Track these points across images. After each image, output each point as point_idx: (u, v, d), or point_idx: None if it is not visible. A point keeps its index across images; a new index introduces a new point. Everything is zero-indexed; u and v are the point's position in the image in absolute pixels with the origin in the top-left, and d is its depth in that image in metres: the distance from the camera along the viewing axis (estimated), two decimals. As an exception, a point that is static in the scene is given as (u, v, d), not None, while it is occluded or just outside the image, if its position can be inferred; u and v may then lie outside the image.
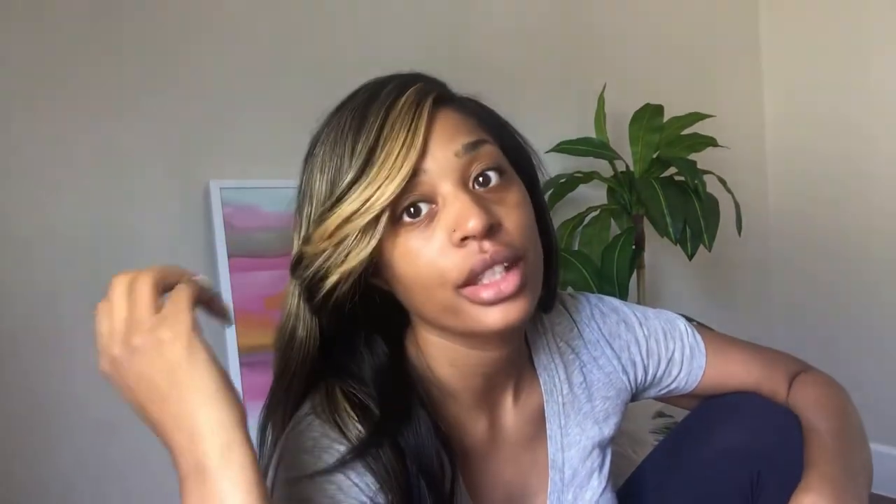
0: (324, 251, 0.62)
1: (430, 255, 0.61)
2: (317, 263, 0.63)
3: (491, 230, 0.60)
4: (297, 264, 0.66)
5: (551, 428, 0.76)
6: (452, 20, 1.71)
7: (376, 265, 0.63)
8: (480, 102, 0.71)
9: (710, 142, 1.74)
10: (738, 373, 0.82)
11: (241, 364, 1.37)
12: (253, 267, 1.41)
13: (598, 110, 1.75)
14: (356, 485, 0.60)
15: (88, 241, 1.32)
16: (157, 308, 0.55)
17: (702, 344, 0.82)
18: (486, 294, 0.60)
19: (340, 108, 0.66)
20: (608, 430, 0.79)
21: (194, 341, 0.53)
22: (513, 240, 0.62)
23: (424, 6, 1.68)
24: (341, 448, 0.61)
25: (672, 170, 1.71)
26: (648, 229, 1.71)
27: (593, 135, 1.76)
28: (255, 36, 1.49)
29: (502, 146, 0.67)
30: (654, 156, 1.73)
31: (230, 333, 1.37)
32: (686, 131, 1.77)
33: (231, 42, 1.46)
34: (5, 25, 1.26)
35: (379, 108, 0.61)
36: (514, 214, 0.62)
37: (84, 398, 1.30)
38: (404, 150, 0.59)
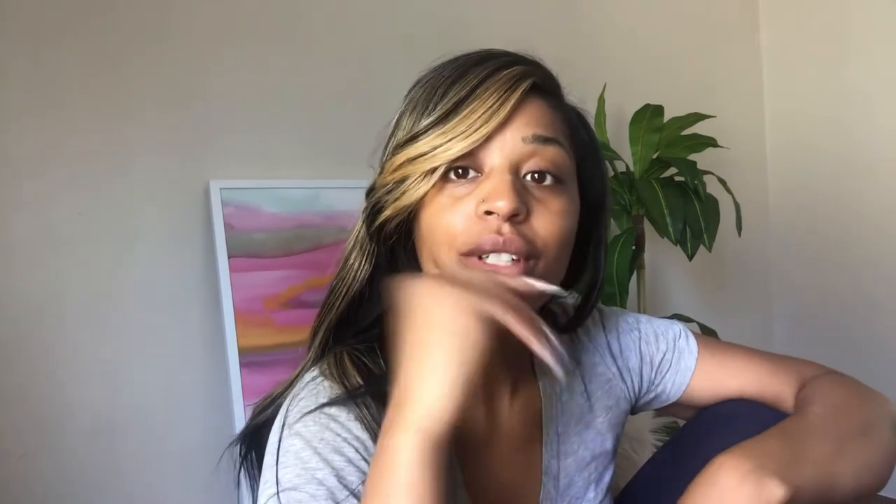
0: (387, 184, 0.64)
1: (452, 216, 0.62)
2: (378, 194, 0.65)
3: (516, 217, 0.60)
4: (370, 191, 0.67)
5: (547, 433, 0.74)
6: (450, 20, 1.71)
7: (416, 212, 0.65)
8: (584, 117, 0.72)
9: (711, 142, 1.74)
10: (736, 378, 0.78)
11: (241, 364, 1.37)
12: (253, 267, 1.41)
13: (598, 110, 1.75)
14: (357, 437, 0.60)
15: (88, 242, 1.32)
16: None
17: (694, 347, 0.80)
18: None
19: (450, 60, 0.66)
20: (610, 441, 0.77)
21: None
22: (534, 237, 0.62)
23: (422, 6, 1.68)
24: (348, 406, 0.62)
25: (672, 170, 1.71)
26: (648, 230, 1.71)
27: (593, 135, 1.76)
28: (256, 36, 1.49)
29: (579, 163, 0.68)
30: (655, 156, 1.73)
31: (230, 334, 1.37)
32: (686, 132, 1.77)
33: (231, 42, 1.46)
34: (5, 27, 1.26)
35: (481, 70, 0.62)
36: (549, 218, 0.62)
37: (85, 401, 1.30)
38: (487, 114, 0.60)
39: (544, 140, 0.63)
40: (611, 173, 1.78)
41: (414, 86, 0.68)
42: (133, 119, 1.36)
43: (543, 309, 0.75)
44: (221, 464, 1.42)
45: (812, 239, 2.17)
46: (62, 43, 1.30)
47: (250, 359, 1.38)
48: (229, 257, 1.39)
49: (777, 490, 0.57)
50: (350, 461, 0.58)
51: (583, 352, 0.79)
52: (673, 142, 1.75)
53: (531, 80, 0.64)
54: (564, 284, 0.72)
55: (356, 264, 0.68)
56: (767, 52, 2.27)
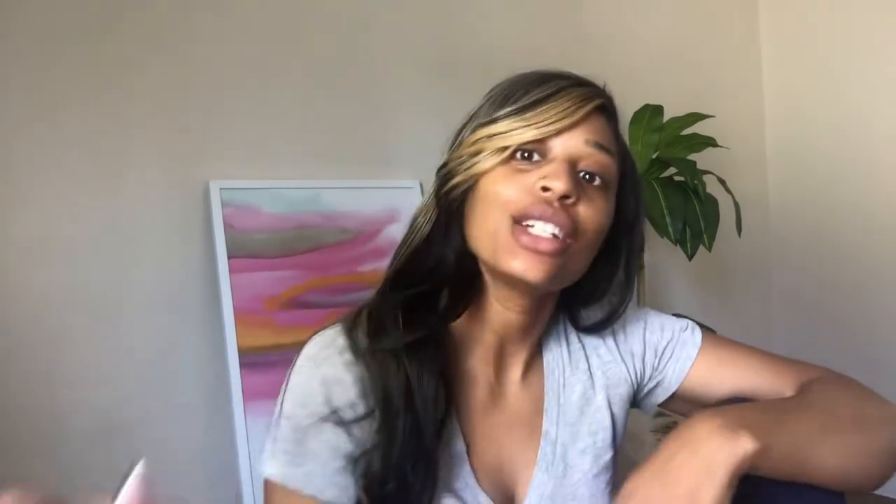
0: (461, 157, 0.74)
1: (512, 185, 0.70)
2: (452, 164, 0.75)
3: (567, 199, 0.69)
4: (443, 167, 0.76)
5: (549, 403, 0.80)
6: (452, 23, 1.71)
7: (476, 184, 0.73)
8: (629, 151, 0.82)
9: (710, 142, 1.74)
10: (736, 373, 0.80)
11: (241, 365, 1.37)
12: (253, 268, 1.41)
13: (598, 111, 1.75)
14: (341, 379, 0.68)
15: (89, 242, 1.32)
16: None
17: (699, 339, 0.83)
18: (525, 238, 0.68)
19: (531, 72, 0.76)
20: (608, 419, 0.81)
21: None
22: (579, 219, 0.70)
23: (424, 6, 1.68)
24: (340, 354, 0.70)
25: (672, 170, 1.71)
26: (648, 230, 1.71)
27: (593, 135, 1.76)
28: (256, 37, 1.49)
29: (621, 185, 0.76)
30: (654, 156, 1.73)
31: (230, 334, 1.37)
32: (686, 131, 1.77)
33: (232, 43, 1.46)
34: (8, 32, 1.26)
35: (561, 82, 0.73)
36: (592, 209, 0.71)
37: (85, 401, 1.30)
38: (563, 113, 0.71)
39: (602, 148, 0.72)
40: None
41: (493, 89, 0.77)
42: (133, 120, 1.36)
43: (570, 311, 0.82)
44: (221, 464, 1.43)
45: (812, 239, 2.17)
46: (63, 44, 1.30)
47: (250, 359, 1.38)
48: (229, 258, 1.39)
49: (747, 443, 0.61)
50: (344, 383, 0.68)
51: (588, 335, 0.84)
52: (672, 142, 1.75)
53: (601, 101, 0.75)
54: (590, 287, 0.79)
55: (420, 223, 0.77)
56: (767, 51, 2.28)
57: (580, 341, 0.84)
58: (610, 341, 0.84)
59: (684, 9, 2.14)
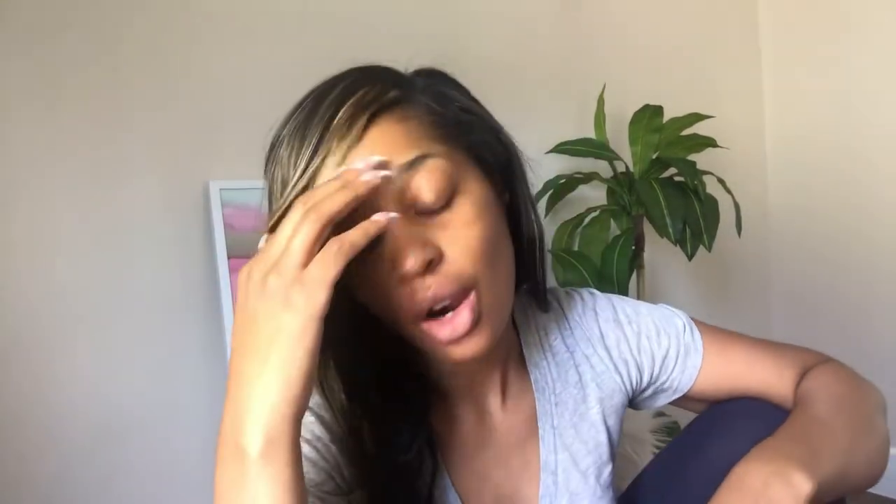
0: None
1: (382, 286, 0.58)
2: None
3: (431, 264, 0.57)
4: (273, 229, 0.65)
5: (543, 428, 0.74)
6: (452, 20, 1.72)
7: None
8: (442, 88, 0.66)
9: (710, 142, 1.74)
10: (742, 374, 0.77)
11: (241, 365, 1.37)
12: (253, 268, 1.41)
13: (598, 111, 1.75)
14: (318, 437, 0.64)
15: (88, 243, 1.32)
16: (307, 260, 0.49)
17: (700, 342, 0.78)
18: (442, 334, 0.59)
19: (288, 118, 0.62)
20: (604, 434, 0.76)
21: (310, 327, 0.49)
22: (459, 269, 0.58)
23: (423, 5, 1.68)
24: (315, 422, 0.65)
25: (672, 170, 1.71)
26: (648, 230, 1.71)
27: (593, 135, 1.76)
28: (255, 36, 1.49)
29: (464, 144, 0.62)
30: (654, 156, 1.73)
31: (230, 335, 1.37)
32: (686, 132, 1.77)
33: (231, 42, 1.46)
34: (5, 30, 1.26)
35: (316, 127, 0.58)
36: (461, 239, 0.58)
37: (85, 404, 1.30)
38: (343, 172, 0.54)
39: (411, 164, 0.57)
40: (610, 174, 1.78)
41: (269, 148, 0.62)
42: (132, 120, 1.36)
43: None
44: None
45: (812, 239, 2.17)
46: (61, 45, 1.30)
47: (250, 359, 1.38)
48: (229, 258, 1.39)
49: (805, 484, 0.58)
50: (311, 461, 0.63)
51: (576, 342, 0.77)
52: (672, 142, 1.75)
53: (368, 113, 0.58)
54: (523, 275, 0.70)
55: None
56: (767, 52, 2.27)
57: (567, 349, 0.77)
58: (601, 349, 0.77)
59: (684, 9, 2.13)
